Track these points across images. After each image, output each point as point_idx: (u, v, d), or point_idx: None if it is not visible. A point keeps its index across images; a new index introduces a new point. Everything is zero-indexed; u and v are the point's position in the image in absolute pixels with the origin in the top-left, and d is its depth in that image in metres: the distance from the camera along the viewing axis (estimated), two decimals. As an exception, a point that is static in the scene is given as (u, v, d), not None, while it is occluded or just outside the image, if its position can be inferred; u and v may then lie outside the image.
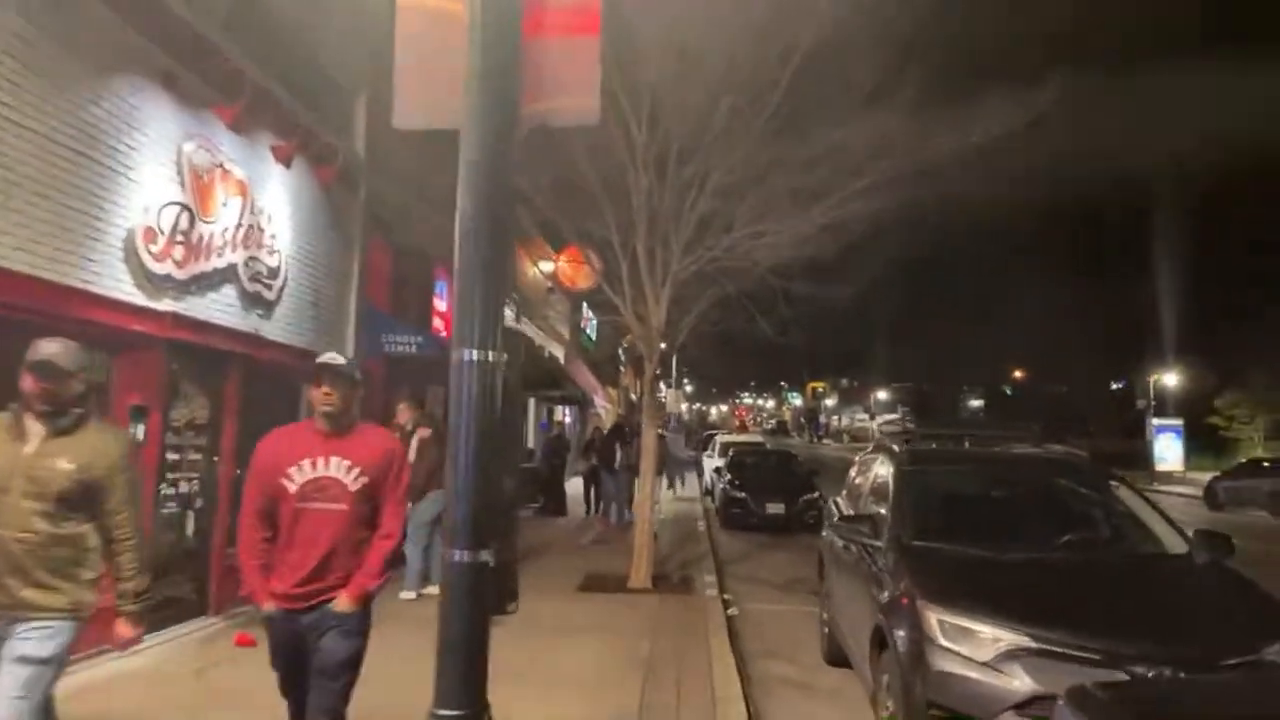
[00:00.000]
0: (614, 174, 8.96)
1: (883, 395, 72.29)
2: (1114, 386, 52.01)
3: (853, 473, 7.43)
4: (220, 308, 7.43)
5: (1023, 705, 3.50)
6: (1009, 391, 58.90)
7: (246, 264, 7.69)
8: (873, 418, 71.86)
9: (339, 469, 3.31)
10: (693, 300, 10.05)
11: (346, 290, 10.04)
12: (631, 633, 7.26)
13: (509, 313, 17.90)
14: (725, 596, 9.56)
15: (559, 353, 26.96)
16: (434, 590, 7.68)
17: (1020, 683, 3.53)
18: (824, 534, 7.43)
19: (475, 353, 2.27)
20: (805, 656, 7.24)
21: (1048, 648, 3.60)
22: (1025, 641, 3.65)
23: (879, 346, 78.83)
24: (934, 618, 3.88)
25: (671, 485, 14.94)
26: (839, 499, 7.45)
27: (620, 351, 41.29)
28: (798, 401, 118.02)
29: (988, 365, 51.04)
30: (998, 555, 4.52)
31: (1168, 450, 34.66)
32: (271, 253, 8.16)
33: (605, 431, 17.16)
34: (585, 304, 31.39)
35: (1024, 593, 4.06)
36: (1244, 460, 29.36)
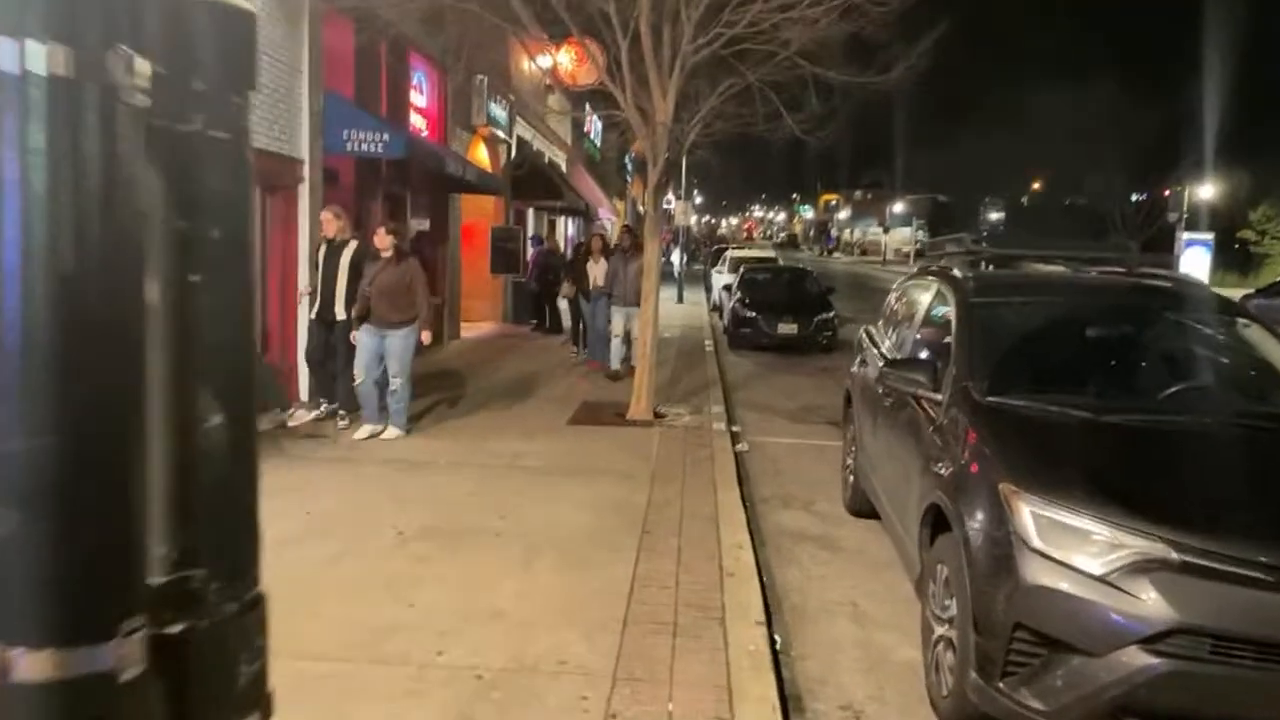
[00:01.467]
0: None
1: (898, 208, 69.73)
2: (1135, 198, 49.69)
3: (892, 300, 6.28)
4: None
5: (1155, 638, 2.51)
6: (1025, 203, 56.65)
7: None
8: (886, 231, 69.75)
9: None
10: (704, 95, 8.52)
11: (296, 77, 8.50)
12: (626, 476, 6.37)
13: (498, 110, 16.19)
14: (734, 428, 8.69)
15: (560, 159, 25.19)
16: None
17: (1154, 608, 2.53)
18: (854, 369, 6.38)
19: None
20: (824, 503, 6.39)
21: (1195, 560, 2.56)
22: (1160, 550, 2.61)
23: (895, 157, 75.46)
24: (1027, 510, 2.83)
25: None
26: (873, 330, 6.34)
27: (627, 160, 39.14)
28: (809, 214, 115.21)
29: (1005, 177, 48.50)
30: (1102, 419, 3.42)
31: (1194, 265, 33.24)
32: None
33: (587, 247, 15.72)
34: (589, 106, 29.15)
35: (1152, 476, 3.02)
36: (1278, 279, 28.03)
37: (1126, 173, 45.20)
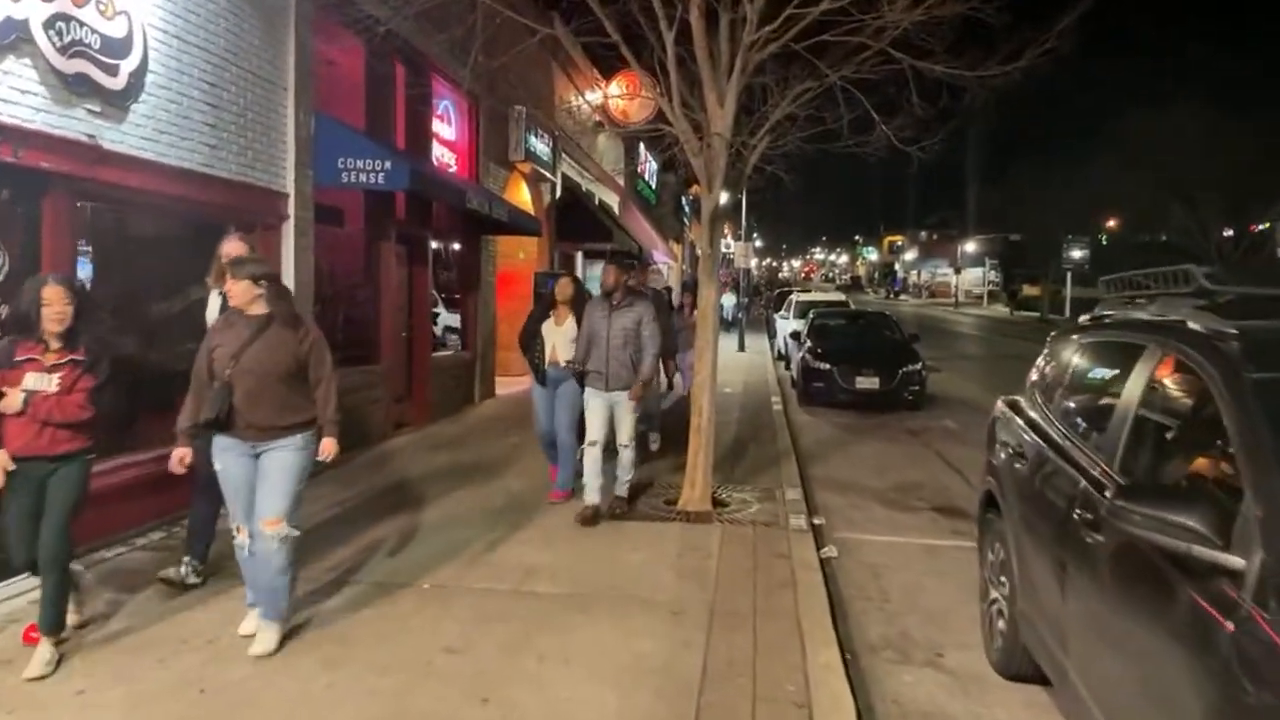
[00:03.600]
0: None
1: (970, 247, 66.90)
2: (1225, 233, 46.44)
3: (1050, 364, 4.44)
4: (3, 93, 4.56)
5: None
6: (1103, 241, 53.44)
7: (52, 25, 4.76)
8: (958, 272, 66.92)
9: None
10: (772, 98, 6.82)
11: (278, 94, 7.07)
12: (674, 613, 4.56)
13: (540, 145, 14.77)
14: (815, 521, 6.82)
15: (613, 201, 23.81)
16: None
17: None
18: (996, 461, 4.51)
19: None
20: (957, 652, 4.48)
21: None
22: None
23: (963, 195, 72.80)
24: None
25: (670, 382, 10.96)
26: (1023, 406, 4.48)
27: (684, 202, 37.70)
28: (873, 256, 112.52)
29: (1081, 213, 45.62)
30: None
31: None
32: (111, 14, 5.19)
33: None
34: (643, 146, 27.86)
35: None
36: None
37: (1215, 207, 42.15)
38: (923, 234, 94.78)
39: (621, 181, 24.96)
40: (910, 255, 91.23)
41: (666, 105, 6.39)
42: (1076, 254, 42.19)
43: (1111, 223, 52.44)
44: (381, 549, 5.56)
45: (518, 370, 15.15)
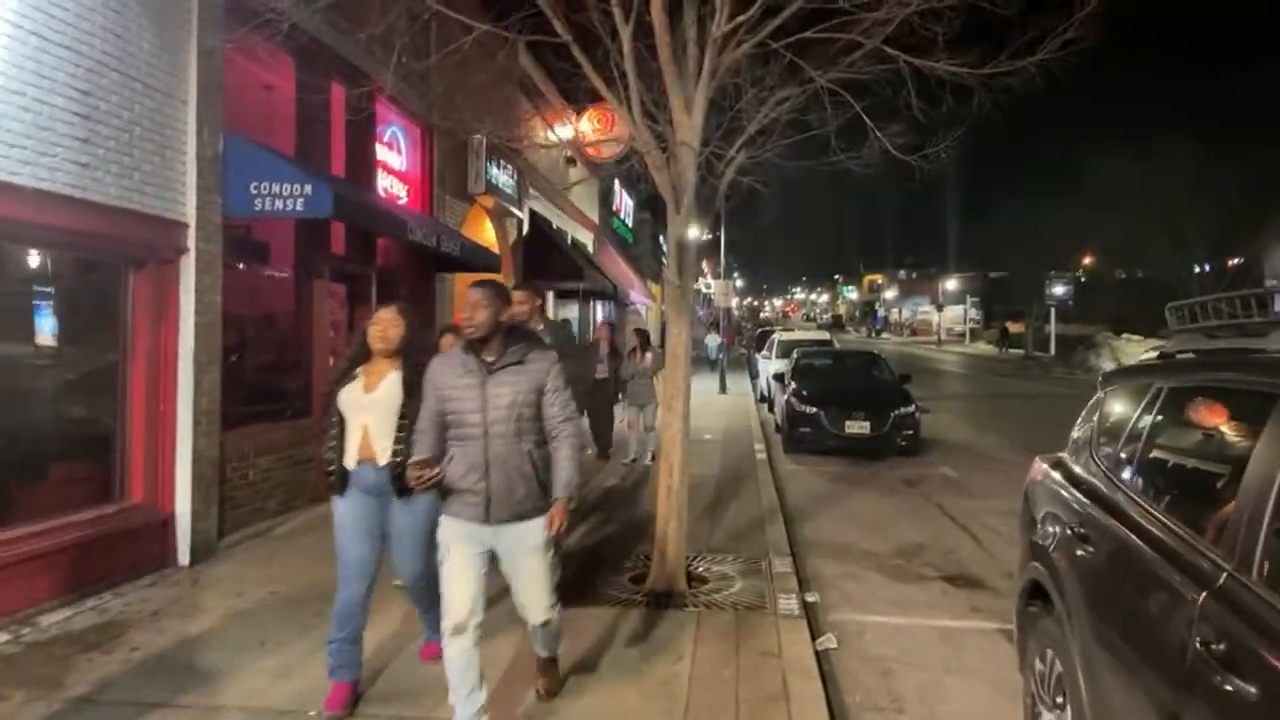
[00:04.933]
0: None
1: (951, 285, 66.57)
2: (1196, 270, 46.27)
3: (1104, 418, 3.48)
4: None
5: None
6: (1082, 279, 53.26)
7: None
8: (940, 309, 66.42)
9: None
10: (748, 102, 5.91)
11: (175, 108, 6.08)
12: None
13: (503, 177, 13.86)
14: (809, 598, 5.77)
15: (586, 239, 22.95)
16: None
17: None
18: (1045, 538, 3.50)
19: None
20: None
21: None
22: None
23: (943, 234, 72.74)
24: None
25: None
26: (1078, 473, 3.49)
27: (662, 242, 36.98)
28: (853, 295, 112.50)
29: (1059, 251, 45.42)
30: None
31: (1299, 339, 29.66)
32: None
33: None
34: (618, 183, 27.11)
35: None
36: None
37: (1201, 242, 41.91)
38: (901, 273, 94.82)
39: (597, 220, 24.14)
40: (890, 294, 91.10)
41: (624, 113, 5.45)
42: (1059, 290, 41.75)
43: (1087, 260, 52.31)
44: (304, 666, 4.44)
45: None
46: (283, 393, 7.91)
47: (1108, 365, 32.40)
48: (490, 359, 3.42)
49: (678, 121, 5.43)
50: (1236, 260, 45.44)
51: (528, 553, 3.48)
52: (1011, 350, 44.50)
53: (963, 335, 63.51)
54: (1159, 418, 3.02)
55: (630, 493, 8.89)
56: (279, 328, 8.11)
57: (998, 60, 5.12)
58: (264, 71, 7.90)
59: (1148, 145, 38.80)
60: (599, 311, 24.87)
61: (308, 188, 6.47)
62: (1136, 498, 2.85)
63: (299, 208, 6.48)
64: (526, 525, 3.44)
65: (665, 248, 35.86)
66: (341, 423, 3.82)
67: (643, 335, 11.19)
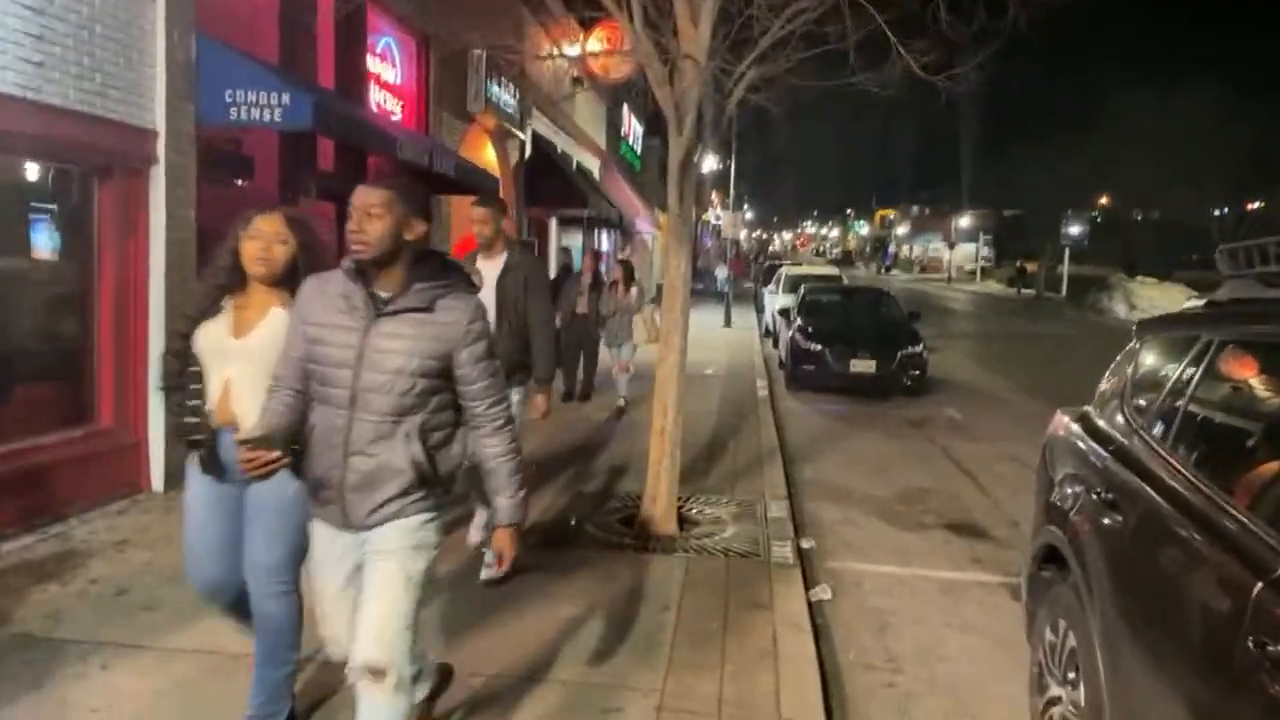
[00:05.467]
0: None
1: (965, 222, 65.36)
2: (1215, 213, 45.30)
3: (1145, 372, 3.14)
4: None
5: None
6: (1098, 219, 52.17)
7: None
8: (952, 247, 65.42)
9: None
10: (759, 22, 5.43)
11: (141, 5, 5.62)
12: (602, 710, 3.26)
13: (504, 95, 13.28)
14: (804, 544, 5.54)
15: (593, 165, 22.32)
16: None
17: None
18: (1065, 500, 3.20)
19: None
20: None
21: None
22: None
23: (958, 170, 71.13)
24: None
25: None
26: (1094, 433, 3.19)
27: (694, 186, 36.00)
28: (865, 230, 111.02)
29: (1077, 190, 44.30)
30: None
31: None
32: None
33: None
34: (626, 107, 26.28)
35: None
36: None
37: (1219, 185, 40.89)
38: (915, 209, 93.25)
39: (604, 145, 23.46)
40: (902, 230, 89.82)
41: (623, 19, 4.99)
42: (1075, 230, 40.91)
43: (1104, 200, 51.23)
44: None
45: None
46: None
47: (1120, 307, 31.87)
48: (385, 296, 2.35)
49: (683, 32, 4.98)
50: (1256, 204, 44.51)
51: (384, 557, 2.36)
52: (1024, 290, 43.91)
53: (973, 274, 62.70)
54: (1207, 375, 2.69)
55: (619, 431, 8.63)
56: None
57: None
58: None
59: (1169, 86, 37.56)
60: (605, 240, 24.38)
61: (285, 97, 6.04)
62: (1179, 465, 2.53)
63: (276, 118, 6.06)
64: (396, 525, 2.37)
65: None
66: (194, 379, 2.73)
67: (627, 267, 10.26)
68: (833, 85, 5.54)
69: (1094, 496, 2.93)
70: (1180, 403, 2.74)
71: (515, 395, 4.28)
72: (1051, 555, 3.26)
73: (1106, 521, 2.80)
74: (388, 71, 9.69)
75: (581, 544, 5.14)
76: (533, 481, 4.56)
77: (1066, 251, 40.33)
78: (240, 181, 7.44)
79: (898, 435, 9.59)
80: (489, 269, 4.41)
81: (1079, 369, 17.07)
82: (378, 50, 9.40)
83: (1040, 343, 21.83)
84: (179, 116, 5.90)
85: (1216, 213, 44.19)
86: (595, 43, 19.14)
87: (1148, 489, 2.61)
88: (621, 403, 9.60)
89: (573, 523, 5.49)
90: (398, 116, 9.91)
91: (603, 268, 11.98)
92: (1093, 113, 42.72)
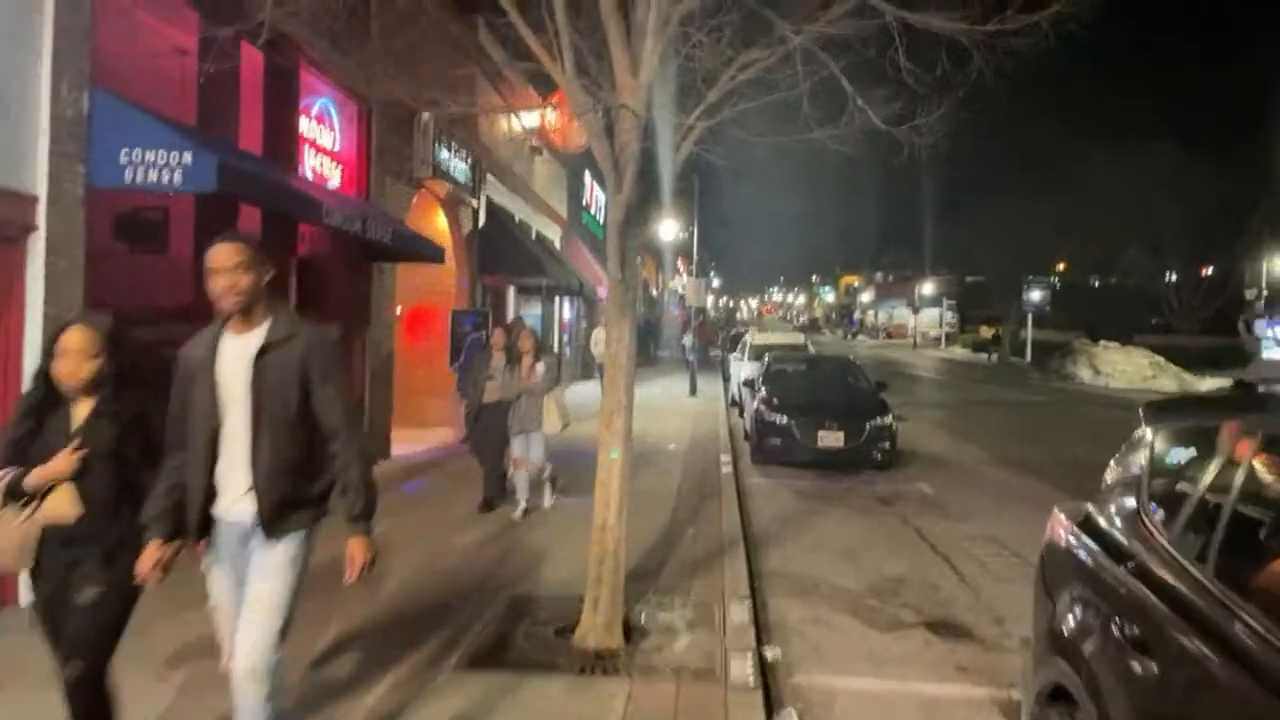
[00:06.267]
0: None
1: (928, 288, 66.07)
2: (1170, 278, 46.12)
3: (1138, 466, 2.59)
4: None
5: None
6: (1056, 284, 52.99)
7: None
8: (916, 312, 65.94)
9: None
10: (702, 72, 4.99)
11: (23, 58, 5.06)
12: None
13: (454, 161, 12.84)
14: (768, 653, 4.87)
15: (553, 233, 21.97)
16: None
17: None
18: (1074, 626, 2.60)
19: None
20: None
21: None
22: None
23: (920, 236, 72.26)
24: None
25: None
26: (1105, 543, 2.61)
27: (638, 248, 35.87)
28: (830, 297, 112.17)
29: (1038, 255, 45.04)
30: None
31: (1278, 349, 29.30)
32: None
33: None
34: (588, 175, 26.11)
35: None
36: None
37: (1170, 249, 41.62)
38: (879, 275, 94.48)
39: (565, 214, 23.15)
40: (867, 296, 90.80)
41: (555, 68, 4.51)
42: (1036, 295, 41.26)
43: (1060, 266, 52.05)
44: None
45: (434, 420, 13.08)
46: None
47: (1085, 372, 31.87)
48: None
49: (620, 82, 4.50)
50: (1208, 269, 45.35)
51: None
52: (991, 356, 44.04)
53: (938, 339, 63.12)
54: (1252, 476, 2.13)
55: (554, 528, 7.96)
56: (171, 325, 7.08)
57: (1003, 16, 4.23)
58: (161, 25, 6.89)
59: (1126, 151, 38.39)
60: (566, 309, 23.90)
61: (187, 156, 5.47)
62: (1226, 597, 1.95)
63: (177, 180, 5.48)
64: None
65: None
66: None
67: (533, 338, 7.96)
68: (788, 140, 5.07)
69: (1116, 632, 2.33)
70: (1221, 511, 2.17)
71: (289, 546, 2.87)
72: (1059, 693, 2.65)
73: (1135, 666, 2.19)
74: (324, 135, 9.19)
75: (511, 663, 4.43)
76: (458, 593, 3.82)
77: (1029, 317, 40.58)
78: (147, 249, 6.82)
79: (868, 512, 8.99)
80: (238, 346, 2.90)
81: (1051, 437, 16.80)
82: (313, 113, 8.91)
83: (1009, 410, 21.51)
84: (65, 179, 5.30)
85: (1172, 277, 44.94)
86: (554, 113, 19.02)
87: (1188, 627, 2.02)
88: (518, 515, 7.71)
89: (501, 637, 4.78)
90: (335, 182, 9.38)
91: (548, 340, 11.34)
92: (1049, 179, 43.51)
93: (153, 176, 5.49)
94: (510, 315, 17.41)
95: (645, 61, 4.50)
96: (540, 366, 7.75)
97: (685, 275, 39.02)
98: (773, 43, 4.66)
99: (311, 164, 8.86)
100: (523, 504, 7.80)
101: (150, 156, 5.50)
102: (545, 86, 18.63)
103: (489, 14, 11.32)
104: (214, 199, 6.76)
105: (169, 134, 5.61)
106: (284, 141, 8.21)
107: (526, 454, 7.79)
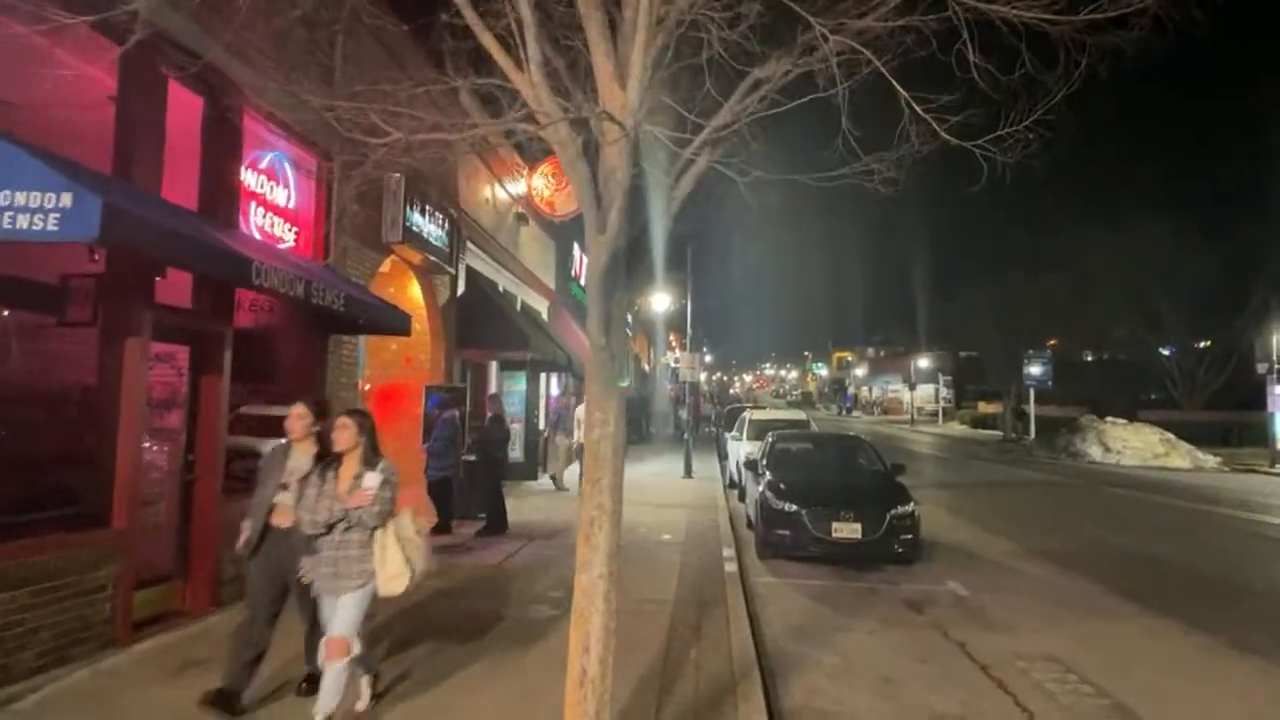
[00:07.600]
0: None
1: (923, 363, 65.26)
2: (1165, 352, 45.37)
3: None
4: None
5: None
6: (1050, 359, 52.26)
7: None
8: (912, 388, 64.93)
9: None
10: (705, 94, 3.95)
11: None
12: None
13: (429, 226, 11.82)
14: None
15: (540, 305, 21.00)
16: None
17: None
18: None
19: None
20: None
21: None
22: None
23: (910, 313, 71.81)
24: None
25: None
26: None
27: (628, 314, 35.03)
28: (823, 372, 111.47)
29: (1037, 330, 44.43)
30: None
31: (1292, 424, 28.20)
32: None
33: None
34: (577, 245, 25.26)
35: None
36: None
37: (1180, 324, 40.88)
38: (871, 350, 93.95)
39: (553, 285, 22.20)
40: (860, 371, 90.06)
41: (520, 76, 3.46)
42: (1037, 370, 40.31)
43: (1052, 342, 51.42)
44: None
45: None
46: (65, 495, 5.67)
47: (1094, 449, 30.66)
48: None
49: (604, 92, 3.45)
50: (1203, 343, 44.63)
51: None
52: (990, 431, 42.87)
53: (935, 415, 62.03)
54: None
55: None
56: (65, 405, 5.91)
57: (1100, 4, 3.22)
58: (74, 60, 5.89)
59: (1124, 228, 38.13)
60: (553, 384, 22.72)
61: (66, 199, 4.37)
62: None
63: (51, 226, 4.37)
64: None
65: (631, 320, 33.92)
66: None
67: (357, 425, 4.68)
68: (817, 179, 4.01)
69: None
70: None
71: None
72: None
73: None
74: (276, 191, 8.17)
75: None
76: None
77: (1031, 392, 39.58)
78: (36, 316, 5.69)
79: (898, 622, 7.69)
80: None
81: (1081, 523, 15.34)
82: (261, 166, 7.90)
83: (1026, 491, 20.25)
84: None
85: (1167, 352, 44.21)
86: (541, 179, 18.20)
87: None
88: None
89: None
90: (288, 243, 8.32)
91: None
92: (1045, 256, 43.11)
93: (21, 222, 4.38)
94: (492, 389, 16.22)
95: (634, 67, 3.47)
96: (372, 478, 4.57)
97: (678, 350, 38.02)
98: (803, 51, 3.63)
99: (259, 222, 7.81)
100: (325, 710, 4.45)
101: (20, 199, 4.40)
102: (531, 155, 17.91)
103: (470, 72, 10.52)
104: (127, 257, 5.68)
105: (45, 173, 4.52)
106: (222, 196, 7.16)
107: (332, 624, 4.53)
